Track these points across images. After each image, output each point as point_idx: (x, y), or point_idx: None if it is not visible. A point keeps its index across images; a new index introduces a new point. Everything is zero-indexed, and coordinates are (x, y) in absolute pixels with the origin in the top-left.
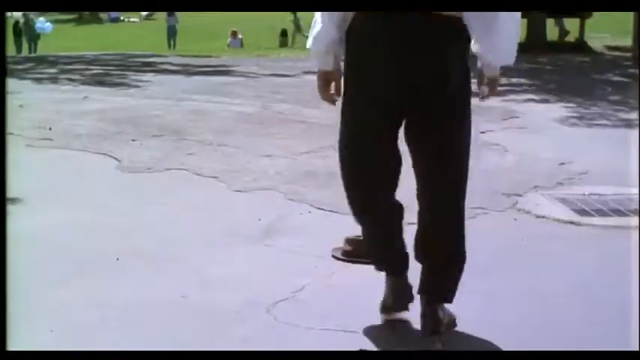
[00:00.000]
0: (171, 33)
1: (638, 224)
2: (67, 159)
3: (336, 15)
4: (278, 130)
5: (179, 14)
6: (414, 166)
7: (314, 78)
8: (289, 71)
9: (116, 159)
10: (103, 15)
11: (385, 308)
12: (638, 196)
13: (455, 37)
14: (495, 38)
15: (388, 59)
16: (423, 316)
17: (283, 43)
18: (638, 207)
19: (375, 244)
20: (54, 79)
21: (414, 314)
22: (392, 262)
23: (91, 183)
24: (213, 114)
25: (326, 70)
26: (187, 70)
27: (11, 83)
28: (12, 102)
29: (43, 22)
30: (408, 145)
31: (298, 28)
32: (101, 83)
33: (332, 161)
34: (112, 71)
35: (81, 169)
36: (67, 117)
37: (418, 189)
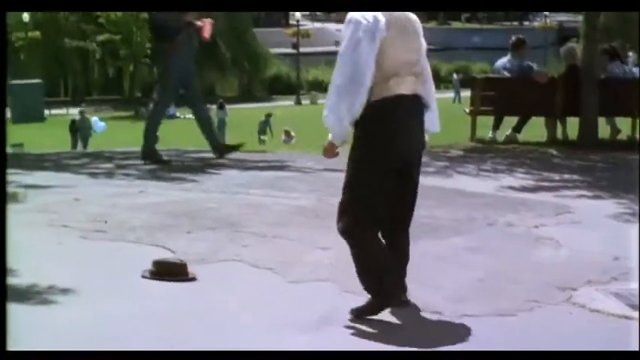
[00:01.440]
0: (221, 125)
1: None
2: (121, 251)
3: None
4: (333, 222)
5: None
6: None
7: None
8: (344, 166)
9: (171, 250)
10: None
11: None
12: None
13: None
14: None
15: (411, 128)
16: None
17: None
18: None
19: (388, 279)
20: (110, 174)
21: None
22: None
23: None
24: (268, 207)
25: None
26: (243, 165)
27: (66, 178)
28: (67, 196)
29: (97, 122)
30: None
31: None
32: (157, 178)
33: None
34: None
35: (135, 260)
36: (122, 210)
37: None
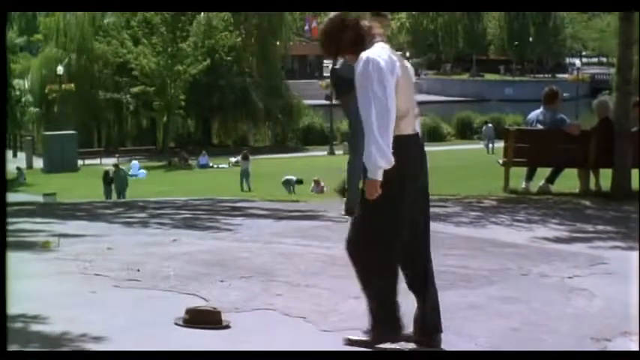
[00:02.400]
0: (245, 175)
1: None
2: (154, 299)
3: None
4: None
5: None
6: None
7: None
8: None
9: (204, 299)
10: (192, 161)
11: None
12: None
13: None
14: None
15: (423, 165)
16: None
17: None
18: None
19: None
20: (143, 223)
21: None
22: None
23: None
24: (301, 256)
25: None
26: (276, 215)
27: (100, 227)
28: (100, 245)
29: (136, 168)
30: None
31: None
32: (190, 227)
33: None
34: (201, 215)
35: (168, 308)
36: (156, 259)
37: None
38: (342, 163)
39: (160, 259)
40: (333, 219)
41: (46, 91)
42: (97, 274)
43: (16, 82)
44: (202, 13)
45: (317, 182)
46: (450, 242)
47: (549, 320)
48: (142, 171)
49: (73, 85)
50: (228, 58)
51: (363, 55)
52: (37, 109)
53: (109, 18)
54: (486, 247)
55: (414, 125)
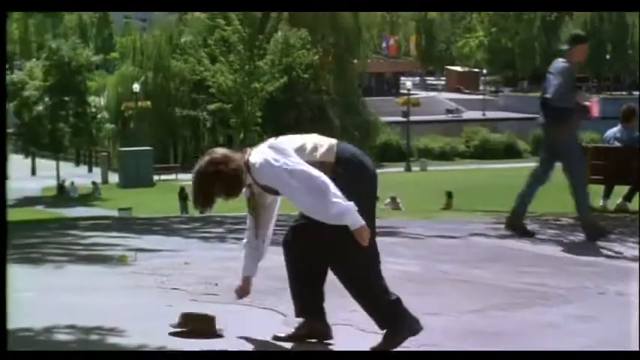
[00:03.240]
0: None
1: None
2: (231, 313)
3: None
4: (441, 289)
5: None
6: None
7: (481, 240)
8: (455, 233)
9: (282, 314)
10: None
11: None
12: None
13: None
14: None
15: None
16: None
17: (448, 206)
18: None
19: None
20: (220, 238)
21: None
22: None
23: (256, 337)
24: None
25: None
26: None
27: (176, 241)
28: (177, 259)
29: None
30: None
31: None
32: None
33: (497, 321)
34: (277, 231)
35: (245, 323)
36: (234, 274)
37: None
38: (419, 180)
39: (238, 273)
40: (409, 235)
41: (122, 108)
42: (174, 288)
43: (92, 99)
44: (279, 32)
45: (393, 199)
46: (527, 260)
47: (626, 340)
48: None
49: (149, 102)
50: (305, 75)
51: (253, 167)
52: (113, 126)
53: (186, 36)
54: (564, 265)
55: (327, 142)
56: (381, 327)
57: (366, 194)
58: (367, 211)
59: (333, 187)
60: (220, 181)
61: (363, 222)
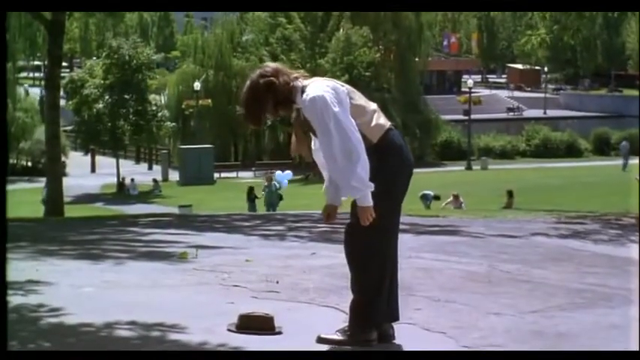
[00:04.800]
0: None
1: None
2: (292, 311)
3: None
4: (505, 289)
5: None
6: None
7: (542, 240)
8: (516, 232)
9: (344, 312)
10: None
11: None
12: None
13: None
14: None
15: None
16: None
17: (509, 204)
18: None
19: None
20: (281, 236)
21: None
22: None
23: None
24: (440, 271)
25: None
26: (415, 229)
27: (237, 239)
28: (238, 257)
29: (281, 176)
30: None
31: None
32: (329, 240)
33: (559, 321)
34: (339, 229)
35: (306, 320)
36: (295, 272)
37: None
38: (480, 178)
39: (299, 271)
40: (472, 234)
41: (183, 106)
42: (236, 285)
43: (152, 97)
44: (342, 30)
45: (456, 197)
46: (589, 260)
47: None
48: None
49: (210, 100)
50: (367, 73)
51: (306, 97)
52: (174, 124)
53: (248, 35)
54: (626, 265)
55: (384, 121)
56: (349, 319)
57: (395, 183)
58: (392, 202)
59: (364, 160)
60: (272, 93)
61: (372, 203)
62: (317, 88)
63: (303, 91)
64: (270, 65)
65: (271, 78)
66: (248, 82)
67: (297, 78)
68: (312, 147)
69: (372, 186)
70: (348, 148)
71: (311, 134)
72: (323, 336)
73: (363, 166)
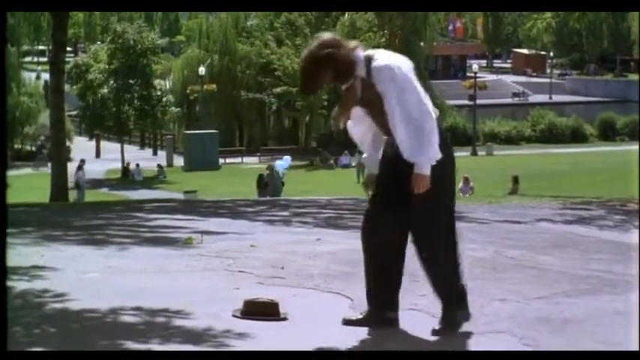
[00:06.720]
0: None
1: None
2: (297, 297)
3: None
4: (510, 275)
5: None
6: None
7: (548, 226)
8: (521, 218)
9: (349, 298)
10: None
11: None
12: None
13: None
14: None
15: None
16: None
17: (514, 190)
18: None
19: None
20: (286, 222)
21: None
22: None
23: (322, 321)
24: None
25: None
26: None
27: (242, 224)
28: (243, 242)
29: (281, 166)
30: None
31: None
32: (334, 226)
33: (564, 307)
34: (344, 215)
35: (311, 306)
36: (300, 257)
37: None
38: (485, 164)
39: (304, 257)
40: (476, 220)
41: (188, 91)
42: (241, 271)
43: (157, 82)
44: (347, 15)
45: (466, 180)
46: (594, 246)
47: None
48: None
49: (214, 85)
50: None
51: (382, 63)
52: (178, 109)
53: (253, 20)
54: (631, 251)
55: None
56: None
57: (450, 174)
58: (447, 191)
59: (436, 135)
60: (332, 64)
61: (429, 173)
62: (385, 56)
63: (369, 61)
64: (329, 36)
65: (332, 49)
66: (307, 52)
67: (356, 47)
68: (350, 122)
69: (440, 155)
70: (427, 110)
71: (361, 108)
72: (347, 317)
73: (436, 133)
